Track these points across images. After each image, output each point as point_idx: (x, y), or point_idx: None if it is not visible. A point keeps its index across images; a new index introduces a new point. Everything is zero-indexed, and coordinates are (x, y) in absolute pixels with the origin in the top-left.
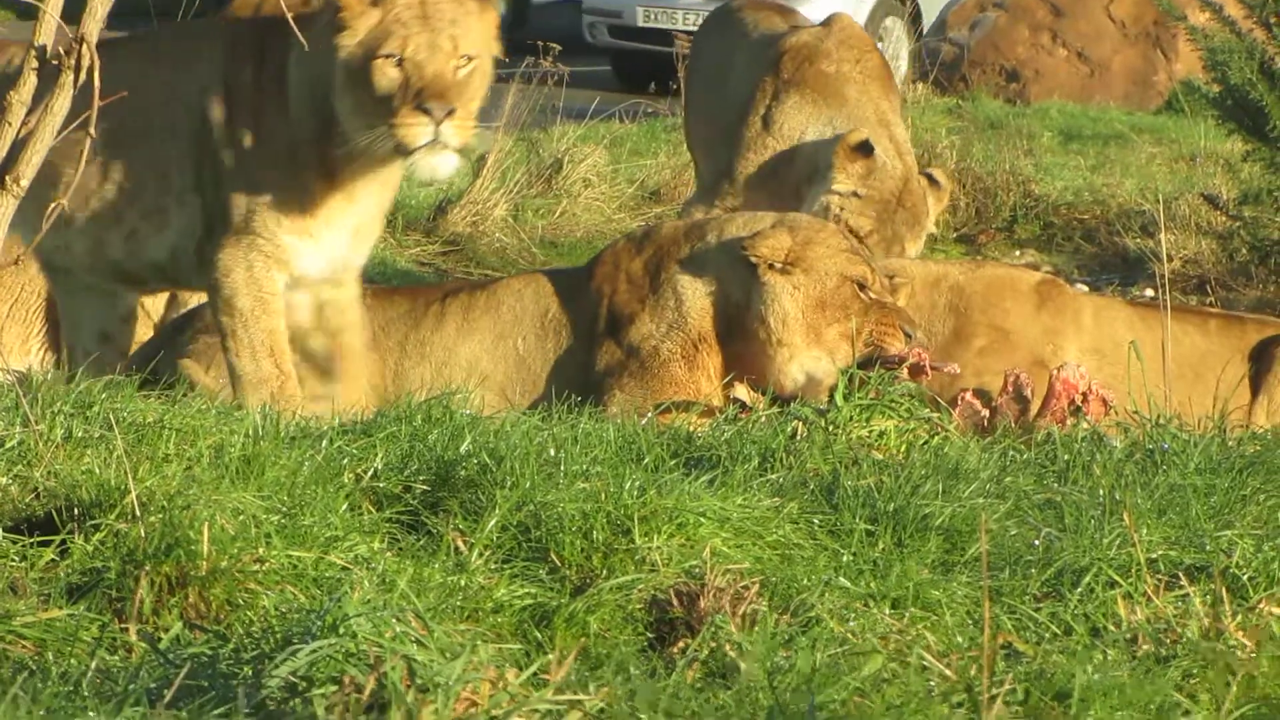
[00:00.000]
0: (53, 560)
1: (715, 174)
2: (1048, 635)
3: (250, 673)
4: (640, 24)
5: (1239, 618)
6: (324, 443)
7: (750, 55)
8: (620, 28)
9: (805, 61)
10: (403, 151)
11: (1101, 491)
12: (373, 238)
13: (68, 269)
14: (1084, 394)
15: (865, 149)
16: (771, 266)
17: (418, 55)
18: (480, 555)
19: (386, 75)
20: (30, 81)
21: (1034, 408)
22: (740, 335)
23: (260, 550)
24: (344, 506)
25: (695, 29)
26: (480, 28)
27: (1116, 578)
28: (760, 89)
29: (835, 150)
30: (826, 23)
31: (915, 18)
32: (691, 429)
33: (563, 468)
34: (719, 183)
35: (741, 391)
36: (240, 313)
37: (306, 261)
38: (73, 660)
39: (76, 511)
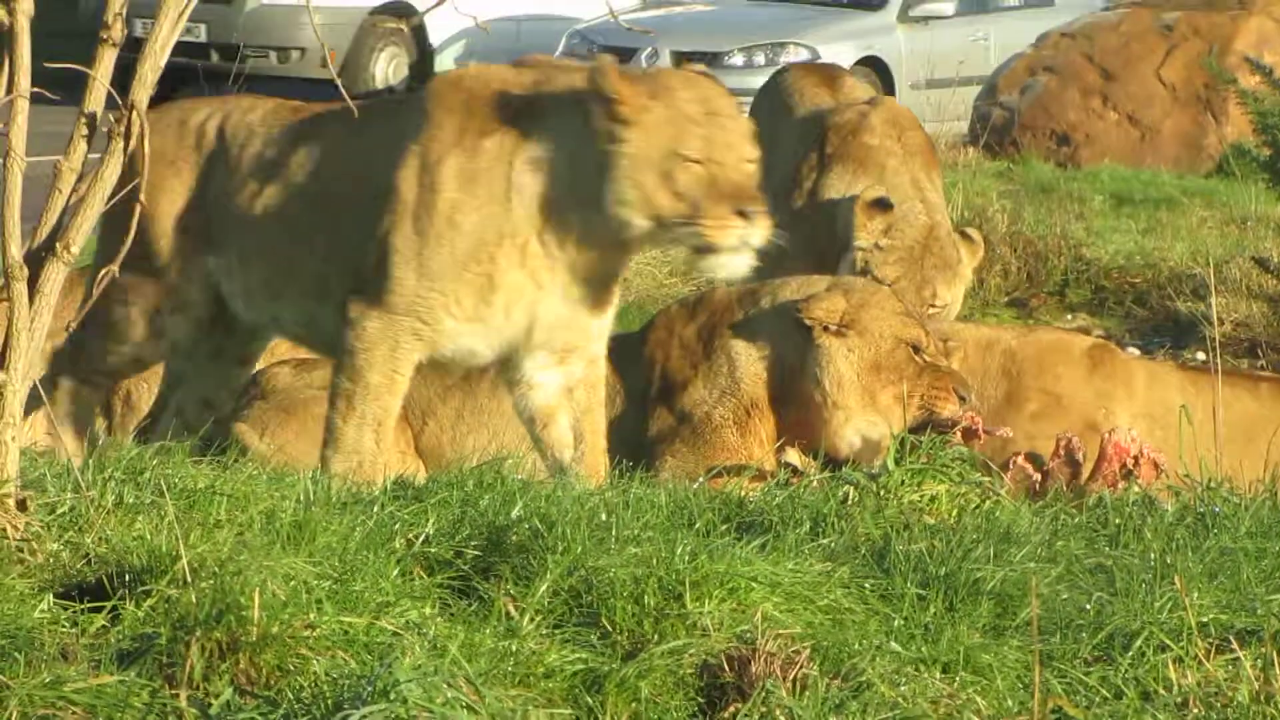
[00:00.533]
0: (104, 626)
1: None
2: (1098, 699)
3: None
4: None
5: None
6: (375, 508)
7: (797, 130)
8: None
9: (849, 135)
10: (709, 250)
11: (1153, 555)
12: (601, 318)
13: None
14: (1135, 458)
15: (883, 204)
16: (826, 329)
17: (721, 156)
18: (532, 620)
19: (690, 173)
20: (80, 148)
21: (1086, 471)
22: (794, 399)
23: (311, 616)
24: (395, 572)
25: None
26: (750, 126)
27: (1167, 641)
28: (806, 163)
29: (853, 209)
30: (871, 101)
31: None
32: (743, 494)
33: (614, 532)
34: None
35: (793, 456)
36: (367, 386)
37: (464, 343)
38: None
39: (128, 577)
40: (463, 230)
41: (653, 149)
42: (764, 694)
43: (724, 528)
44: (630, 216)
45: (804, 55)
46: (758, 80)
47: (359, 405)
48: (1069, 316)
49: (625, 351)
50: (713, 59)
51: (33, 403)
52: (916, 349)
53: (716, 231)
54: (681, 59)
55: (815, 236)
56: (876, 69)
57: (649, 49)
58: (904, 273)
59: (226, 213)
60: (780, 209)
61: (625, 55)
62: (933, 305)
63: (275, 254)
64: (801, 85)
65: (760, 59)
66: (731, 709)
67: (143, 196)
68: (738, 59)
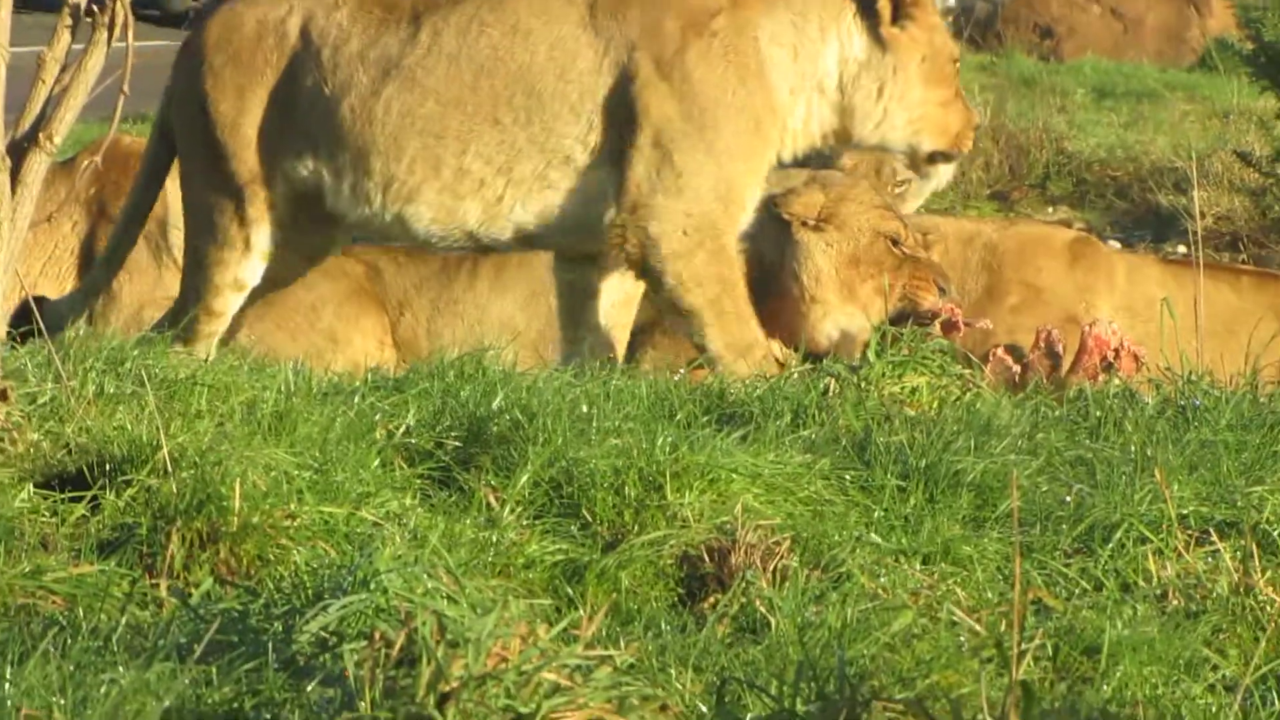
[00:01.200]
0: (84, 516)
1: None
2: (1078, 591)
3: (280, 628)
4: None
5: (1269, 573)
6: (356, 399)
7: None
8: None
9: None
10: (947, 159)
11: (1133, 448)
12: None
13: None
14: (1116, 351)
15: None
16: (805, 223)
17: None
18: (512, 511)
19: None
20: (64, 39)
21: (1066, 364)
22: (774, 293)
23: (292, 506)
24: (376, 463)
25: None
26: None
27: (1147, 533)
28: None
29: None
30: None
31: None
32: (724, 385)
33: (595, 424)
34: None
35: (774, 348)
36: (719, 280)
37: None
38: (103, 616)
39: (108, 467)
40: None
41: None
42: (744, 584)
43: (705, 419)
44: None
45: None
46: None
47: (720, 305)
48: (1050, 209)
49: None
50: None
51: None
52: (895, 242)
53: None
54: None
55: None
56: None
57: None
58: (860, 156)
59: (329, 113)
60: None
61: None
62: (895, 185)
63: (406, 153)
64: None
65: None
66: (711, 599)
67: (218, 104)
68: None
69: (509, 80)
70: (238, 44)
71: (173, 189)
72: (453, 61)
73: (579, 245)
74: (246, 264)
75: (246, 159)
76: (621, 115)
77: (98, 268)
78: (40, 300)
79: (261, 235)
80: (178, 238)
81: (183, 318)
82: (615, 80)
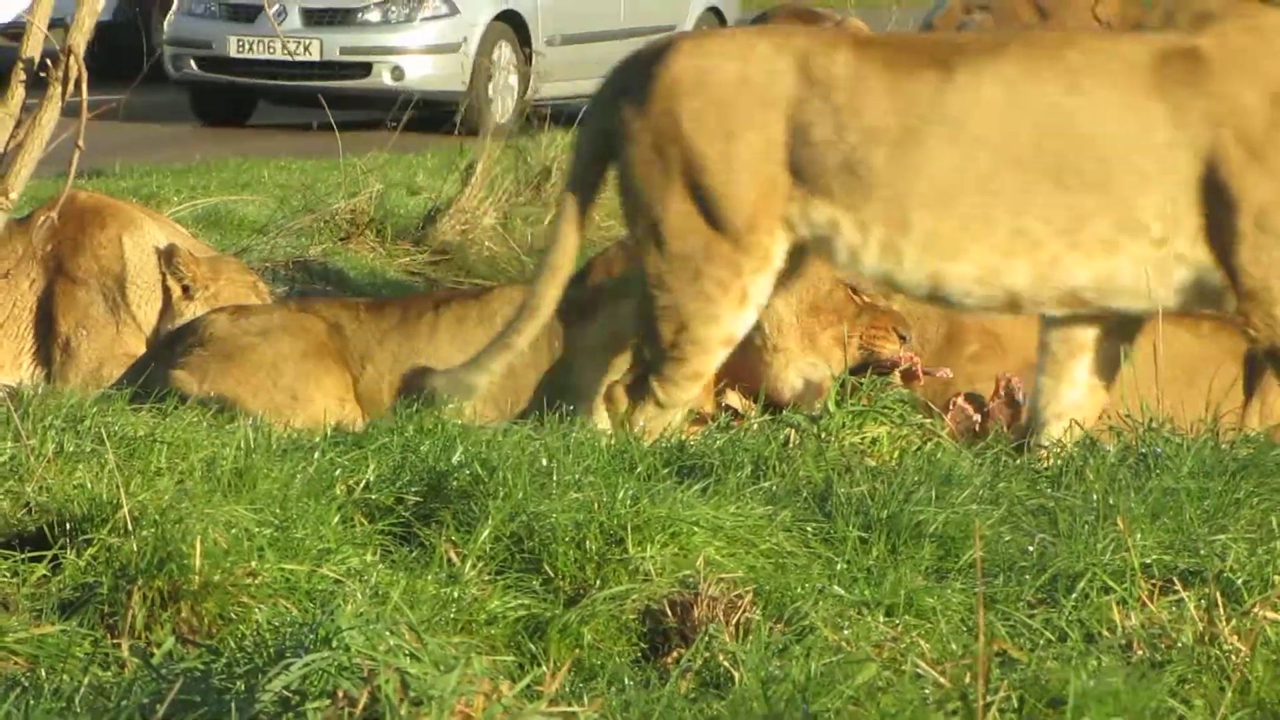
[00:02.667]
0: (45, 576)
1: None
2: (1042, 642)
3: (243, 687)
4: (233, 54)
5: (1233, 622)
6: (315, 455)
7: None
8: (210, 59)
9: None
10: None
11: (1095, 496)
12: None
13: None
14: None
15: None
16: None
17: None
18: (473, 566)
19: None
20: (19, 95)
21: (1026, 412)
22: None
23: (253, 564)
24: (336, 519)
25: (295, 58)
26: None
27: (1111, 583)
28: None
29: None
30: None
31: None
32: (684, 437)
33: (555, 478)
34: None
35: (733, 399)
36: None
37: None
38: (65, 676)
39: (68, 526)
40: None
41: None
42: (706, 638)
43: (665, 472)
44: None
45: (443, 9)
46: (396, 36)
47: None
48: None
49: (565, 295)
50: (346, 15)
51: None
52: (855, 289)
53: None
54: (314, 16)
55: None
56: (514, 24)
57: (276, 6)
58: None
59: (851, 163)
60: None
61: (251, 13)
62: None
63: (957, 209)
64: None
65: (397, 14)
66: (674, 654)
67: (705, 151)
68: (374, 15)
69: (1073, 143)
70: (718, 85)
71: (130, 245)
72: (1006, 116)
73: (1126, 310)
74: (742, 317)
75: (742, 207)
76: (1209, 194)
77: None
78: None
79: (759, 286)
80: (135, 294)
81: (643, 386)
82: (1197, 156)
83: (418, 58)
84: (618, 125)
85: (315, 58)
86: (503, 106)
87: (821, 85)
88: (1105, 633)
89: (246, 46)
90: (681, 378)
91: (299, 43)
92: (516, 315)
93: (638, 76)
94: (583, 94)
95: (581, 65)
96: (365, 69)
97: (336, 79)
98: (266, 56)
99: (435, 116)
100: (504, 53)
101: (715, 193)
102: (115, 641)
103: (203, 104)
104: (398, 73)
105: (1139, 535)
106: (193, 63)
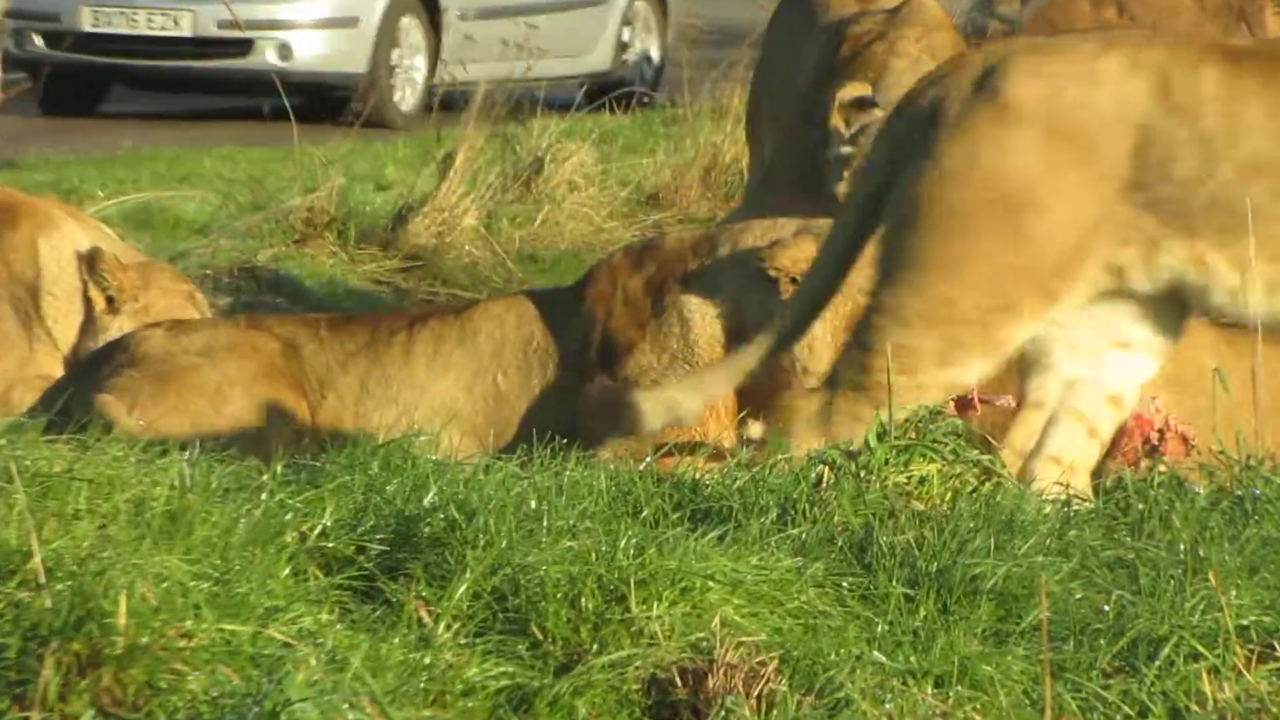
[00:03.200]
0: None
1: (757, 181)
2: (1119, 717)
3: None
4: (88, 29)
5: None
6: (263, 495)
7: (819, 43)
8: (59, 34)
9: (863, 43)
10: None
11: (1182, 546)
12: None
13: None
14: (1160, 431)
15: (864, 102)
16: (795, 281)
17: None
18: (448, 628)
19: None
20: None
21: (1101, 448)
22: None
23: (188, 624)
24: (286, 571)
25: (161, 33)
26: None
27: (1200, 649)
28: (814, 79)
29: (833, 110)
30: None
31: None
32: (698, 476)
33: (545, 523)
34: (759, 191)
35: (756, 430)
36: None
37: None
38: None
39: None
40: None
41: None
42: (723, 713)
43: (675, 516)
44: None
45: None
46: (283, 8)
47: None
48: None
49: (558, 309)
50: None
51: None
52: None
53: None
54: None
55: (809, 160)
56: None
57: None
58: None
59: (1218, 201)
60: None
61: None
62: None
63: None
64: None
65: None
66: None
67: (1032, 183)
68: None
69: None
70: (1059, 114)
71: (46, 249)
72: None
73: None
74: (982, 368)
75: (1055, 251)
76: None
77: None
78: None
79: (1020, 337)
80: (52, 306)
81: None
82: None
83: (308, 34)
84: (919, 141)
85: (186, 33)
86: (409, 92)
87: (1187, 111)
88: (1194, 707)
89: (104, 19)
90: (868, 415)
91: (167, 15)
92: (763, 326)
93: (957, 94)
94: (503, 78)
95: (499, 45)
96: (246, 46)
97: (211, 58)
98: (128, 31)
99: (329, 103)
100: (410, 30)
101: (1029, 233)
102: (24, 714)
103: (48, 89)
104: (285, 51)
105: (1234, 593)
106: (38, 39)
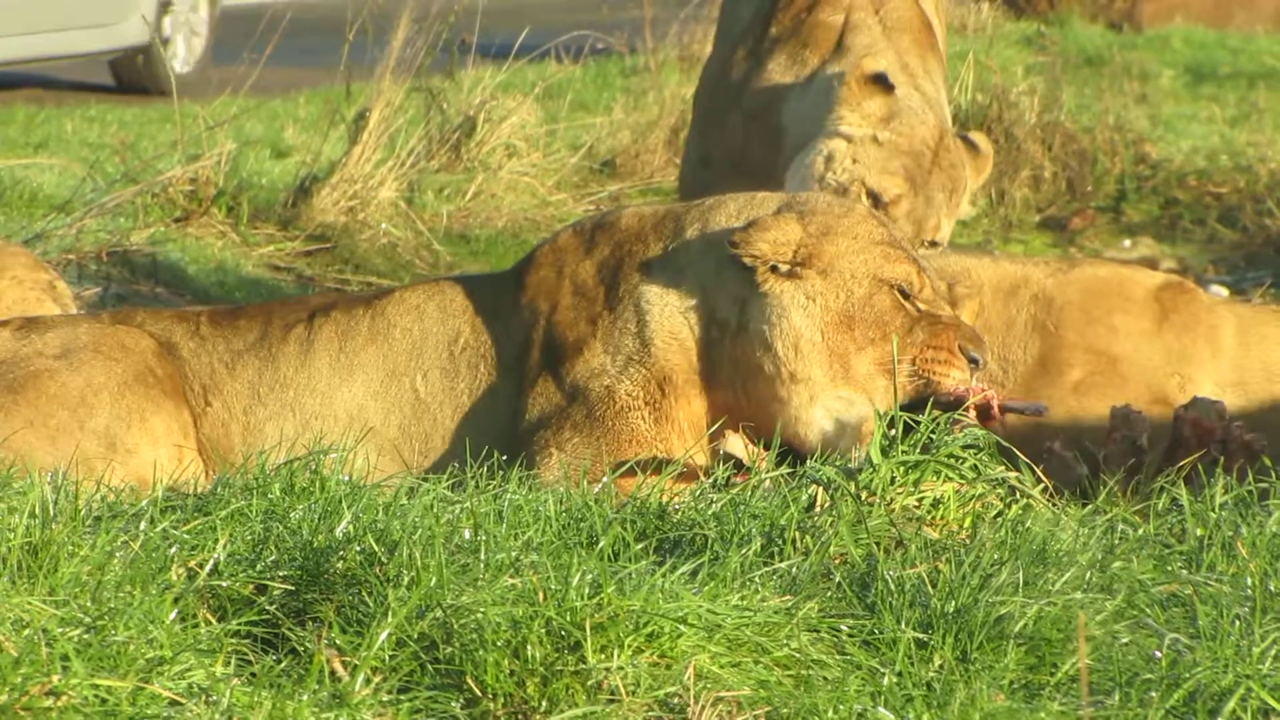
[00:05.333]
0: None
1: (695, 157)
2: None
3: None
4: None
5: None
6: (142, 525)
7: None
8: None
9: (803, 11)
10: None
11: (1249, 580)
12: None
13: None
14: (1223, 442)
15: (884, 81)
16: (775, 269)
17: None
18: (367, 682)
19: None
20: None
21: (1152, 462)
22: (734, 369)
23: (54, 679)
24: (172, 615)
25: None
26: None
27: (1272, 702)
28: (742, 47)
29: (845, 83)
30: None
31: None
32: (665, 499)
33: (483, 556)
34: (696, 169)
35: (735, 445)
36: None
37: None
38: None
39: None
40: None
41: None
42: None
43: (639, 547)
44: None
45: None
46: None
47: None
48: (1127, 242)
49: (493, 299)
50: None
51: None
52: (905, 294)
53: None
54: None
55: (745, 148)
56: None
57: None
58: (906, 191)
59: None
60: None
61: None
62: (931, 242)
63: None
64: None
65: None
66: None
67: None
68: None
69: None
70: None
71: None
72: None
73: None
74: None
75: None
76: None
77: None
78: None
79: None
80: None
81: None
82: None
83: None
84: None
85: None
86: None
87: None
88: None
89: None
90: None
91: None
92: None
93: None
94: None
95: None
96: None
97: None
98: None
99: None
100: None
101: None
102: None
103: None
104: None
105: None
106: None
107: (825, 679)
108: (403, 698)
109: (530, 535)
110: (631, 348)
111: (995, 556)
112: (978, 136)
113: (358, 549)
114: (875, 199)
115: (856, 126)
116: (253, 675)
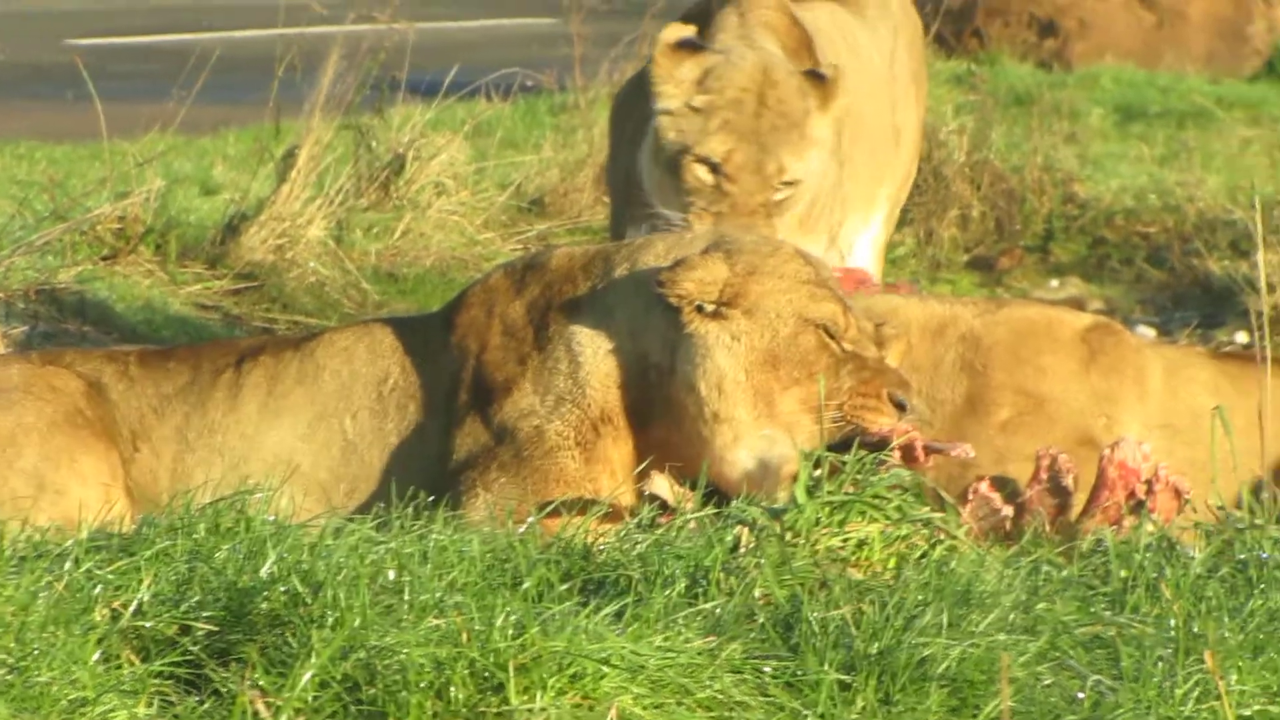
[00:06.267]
0: None
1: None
2: None
3: None
4: None
5: None
6: (67, 565)
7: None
8: None
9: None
10: None
11: (1173, 622)
12: None
13: None
14: (1149, 483)
15: (689, 44)
16: (700, 309)
17: None
18: None
19: None
20: None
21: (1078, 504)
22: (661, 409)
23: None
24: (96, 656)
25: None
26: None
27: None
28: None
29: (654, 59)
30: None
31: None
32: (590, 540)
33: (407, 597)
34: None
35: (661, 485)
36: None
37: None
38: None
39: None
40: None
41: None
42: None
43: (563, 588)
44: None
45: None
46: None
47: None
48: (1055, 282)
49: (422, 339)
50: None
51: None
52: (830, 333)
53: None
54: None
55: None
56: None
57: None
58: (736, 144)
59: None
60: None
61: None
62: (782, 184)
63: None
64: None
65: None
66: None
67: None
68: None
69: None
70: None
71: None
72: None
73: None
74: None
75: None
76: None
77: None
78: None
79: None
80: None
81: None
82: None
83: None
84: None
85: None
86: None
87: None
88: None
89: None
90: None
91: None
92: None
93: None
94: None
95: None
96: None
97: None
98: None
99: None
100: None
101: None
102: None
103: None
104: None
105: (1234, 676)
106: None
107: None
108: None
109: (455, 576)
110: (563, 388)
111: (919, 598)
112: (826, 67)
113: (282, 589)
114: (710, 165)
115: (671, 99)
116: (175, 717)
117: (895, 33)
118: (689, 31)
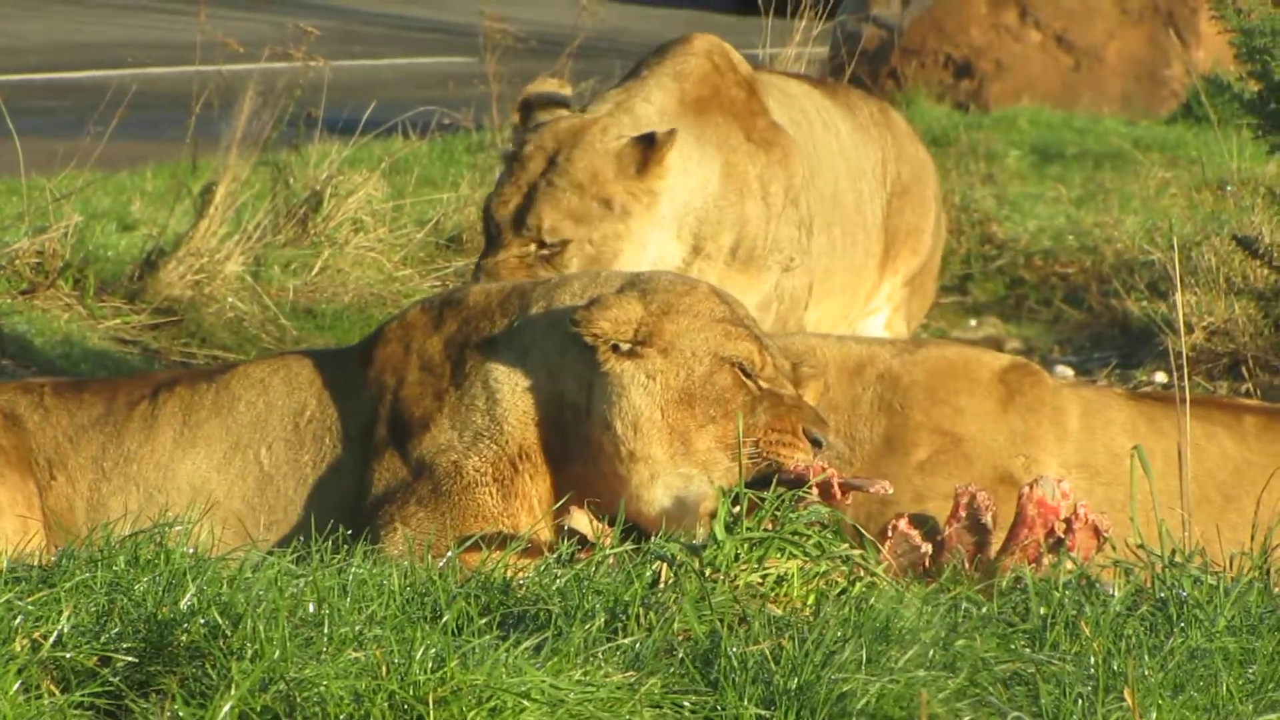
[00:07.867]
0: None
1: None
2: None
3: None
4: None
5: None
6: None
7: None
8: None
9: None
10: None
11: (1093, 660)
12: None
13: None
14: (1068, 521)
15: (546, 99)
16: (616, 348)
17: None
18: None
19: None
20: None
21: (997, 542)
22: (580, 447)
23: None
24: (15, 686)
25: None
26: None
27: None
28: None
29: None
30: None
31: None
32: (510, 574)
33: (326, 630)
34: None
35: (580, 521)
36: None
37: None
38: None
39: None
40: None
41: None
42: None
43: (483, 622)
44: None
45: None
46: None
47: None
48: (973, 322)
49: (340, 373)
50: None
51: None
52: (746, 372)
53: None
54: None
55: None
56: None
57: None
58: (511, 196)
59: None
60: None
61: None
62: (544, 243)
63: None
64: None
65: None
66: None
67: None
68: None
69: None
70: None
71: None
72: None
73: None
74: None
75: None
76: None
77: None
78: None
79: None
80: None
81: None
82: None
83: None
84: None
85: None
86: None
87: None
88: None
89: None
90: None
91: None
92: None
93: None
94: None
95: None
96: None
97: None
98: None
99: None
100: None
101: None
102: None
103: None
104: None
105: (1154, 715)
106: None
107: None
108: None
109: (374, 609)
110: (480, 424)
111: (839, 634)
112: (666, 130)
113: (202, 621)
114: (486, 214)
115: (507, 145)
116: None
117: (896, 156)
118: (552, 87)
